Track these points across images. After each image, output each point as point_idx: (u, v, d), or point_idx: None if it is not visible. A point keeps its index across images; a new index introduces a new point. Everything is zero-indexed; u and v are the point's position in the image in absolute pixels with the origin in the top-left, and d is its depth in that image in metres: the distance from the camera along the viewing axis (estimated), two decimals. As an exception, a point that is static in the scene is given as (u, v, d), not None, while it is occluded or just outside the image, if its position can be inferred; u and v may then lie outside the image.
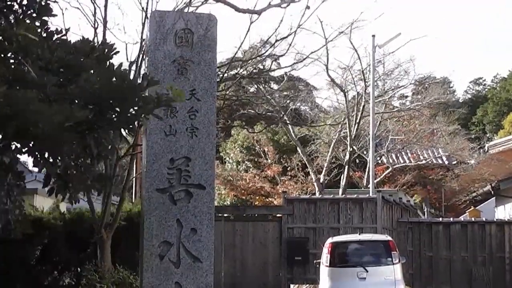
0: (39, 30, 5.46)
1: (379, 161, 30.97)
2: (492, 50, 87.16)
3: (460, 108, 39.21)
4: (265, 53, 18.09)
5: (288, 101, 31.88)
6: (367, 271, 14.46)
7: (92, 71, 5.22)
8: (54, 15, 5.57)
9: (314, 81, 77.84)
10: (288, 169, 30.10)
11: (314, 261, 16.81)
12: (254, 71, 18.76)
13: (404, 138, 31.44)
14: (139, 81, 5.46)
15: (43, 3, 5.48)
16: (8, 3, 5.40)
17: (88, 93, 5.02)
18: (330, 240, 15.50)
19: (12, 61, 5.34)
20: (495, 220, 20.68)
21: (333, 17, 45.57)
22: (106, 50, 5.65)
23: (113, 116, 5.21)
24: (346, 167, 26.49)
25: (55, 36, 5.57)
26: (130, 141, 12.77)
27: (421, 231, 19.80)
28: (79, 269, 12.77)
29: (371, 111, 24.70)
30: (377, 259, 14.95)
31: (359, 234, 16.20)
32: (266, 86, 29.27)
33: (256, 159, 31.71)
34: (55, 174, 5.32)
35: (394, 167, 30.60)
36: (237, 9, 14.72)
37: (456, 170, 31.85)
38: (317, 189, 26.67)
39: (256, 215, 20.27)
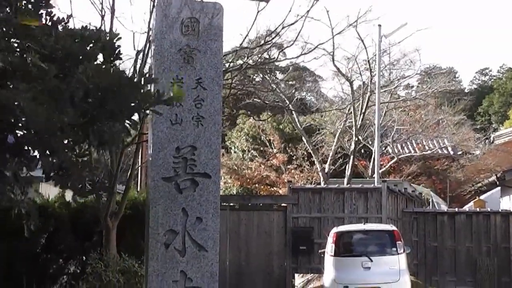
0: (43, 18, 5.44)
1: (385, 151, 30.93)
2: (498, 41, 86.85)
3: (466, 97, 39.06)
4: (271, 41, 18.05)
5: (293, 91, 31.85)
6: (371, 261, 14.47)
7: (89, 63, 5.19)
8: (52, 7, 5.53)
9: (320, 71, 77.70)
10: (294, 158, 30.11)
11: (319, 251, 16.84)
12: (260, 60, 18.71)
13: (409, 128, 31.39)
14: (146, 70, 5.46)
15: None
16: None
17: (86, 85, 5.00)
18: (334, 229, 15.51)
19: (15, 50, 5.33)
20: (500, 210, 20.65)
21: (339, 6, 45.28)
22: (111, 39, 5.63)
23: (113, 108, 5.19)
24: (351, 157, 26.47)
25: (60, 24, 5.56)
26: (133, 132, 12.77)
27: (426, 221, 19.79)
28: (84, 257, 12.79)
29: (377, 100, 24.65)
30: (382, 249, 14.95)
31: (364, 224, 16.20)
32: (271, 75, 29.22)
33: (261, 148, 31.72)
34: (50, 167, 5.30)
35: (400, 157, 30.55)
36: (245, -4, 14.64)
37: (462, 160, 31.84)
38: (322, 178, 26.66)
39: (261, 204, 20.28)
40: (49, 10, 5.45)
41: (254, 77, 27.80)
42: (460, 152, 32.62)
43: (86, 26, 5.62)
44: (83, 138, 5.32)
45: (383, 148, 30.20)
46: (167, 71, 7.07)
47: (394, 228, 15.68)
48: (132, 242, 12.56)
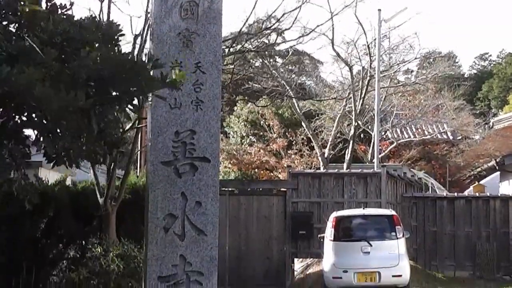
0: (43, 3, 5.41)
1: (384, 136, 30.94)
2: (498, 26, 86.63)
3: (465, 82, 39.00)
4: (271, 27, 18.00)
5: (293, 76, 31.77)
6: (371, 245, 14.50)
7: (94, 46, 5.18)
8: None
9: (319, 55, 77.51)
10: (293, 143, 30.10)
11: (318, 235, 16.86)
12: (259, 45, 18.66)
13: (409, 113, 31.37)
14: (144, 56, 5.44)
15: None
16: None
17: (89, 69, 4.98)
18: (334, 214, 15.52)
19: (15, 34, 5.30)
20: (499, 195, 20.68)
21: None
22: (111, 29, 5.62)
23: (116, 93, 5.18)
24: (351, 142, 26.44)
25: (60, 11, 5.53)
26: (134, 117, 12.75)
27: (425, 206, 19.84)
28: (84, 242, 12.79)
29: (376, 85, 24.62)
30: (381, 234, 14.97)
31: (364, 208, 16.22)
32: (271, 60, 29.13)
33: (261, 133, 31.69)
34: (53, 150, 5.30)
35: (399, 142, 30.57)
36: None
37: (461, 145, 31.83)
38: (321, 163, 26.65)
39: (260, 189, 20.29)
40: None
41: (254, 62, 27.74)
42: (459, 137, 32.63)
43: (85, 18, 5.61)
44: (85, 123, 5.31)
45: (383, 133, 30.20)
46: (166, 55, 7.04)
47: (393, 212, 15.70)
48: (132, 227, 12.55)
